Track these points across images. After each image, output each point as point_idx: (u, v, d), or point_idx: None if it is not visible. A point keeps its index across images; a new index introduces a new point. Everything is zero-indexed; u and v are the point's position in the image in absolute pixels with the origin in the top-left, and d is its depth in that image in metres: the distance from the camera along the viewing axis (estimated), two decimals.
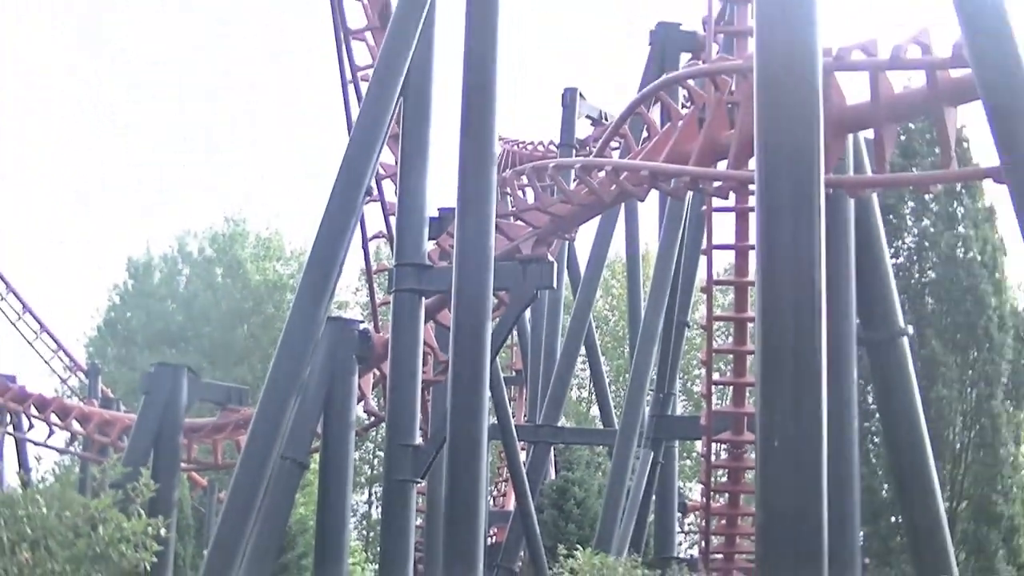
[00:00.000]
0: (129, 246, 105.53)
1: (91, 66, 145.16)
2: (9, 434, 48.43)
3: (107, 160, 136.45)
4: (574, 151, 42.74)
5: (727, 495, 33.66)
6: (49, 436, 47.54)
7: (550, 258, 27.93)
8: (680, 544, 41.79)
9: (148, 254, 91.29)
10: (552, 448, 39.95)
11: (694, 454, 58.63)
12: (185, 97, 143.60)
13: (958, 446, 30.45)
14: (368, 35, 35.56)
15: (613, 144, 29.02)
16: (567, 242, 36.69)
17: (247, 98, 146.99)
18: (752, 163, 16.76)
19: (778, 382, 13.67)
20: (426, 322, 29.06)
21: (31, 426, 47.92)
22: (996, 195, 30.76)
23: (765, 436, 13.58)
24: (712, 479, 35.06)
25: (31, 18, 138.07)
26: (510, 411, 34.79)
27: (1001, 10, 16.33)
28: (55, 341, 62.97)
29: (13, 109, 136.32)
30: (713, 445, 34.04)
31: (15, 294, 59.74)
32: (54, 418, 46.65)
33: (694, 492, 57.38)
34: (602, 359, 50.81)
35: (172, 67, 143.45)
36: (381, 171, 34.58)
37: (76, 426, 46.73)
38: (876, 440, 29.55)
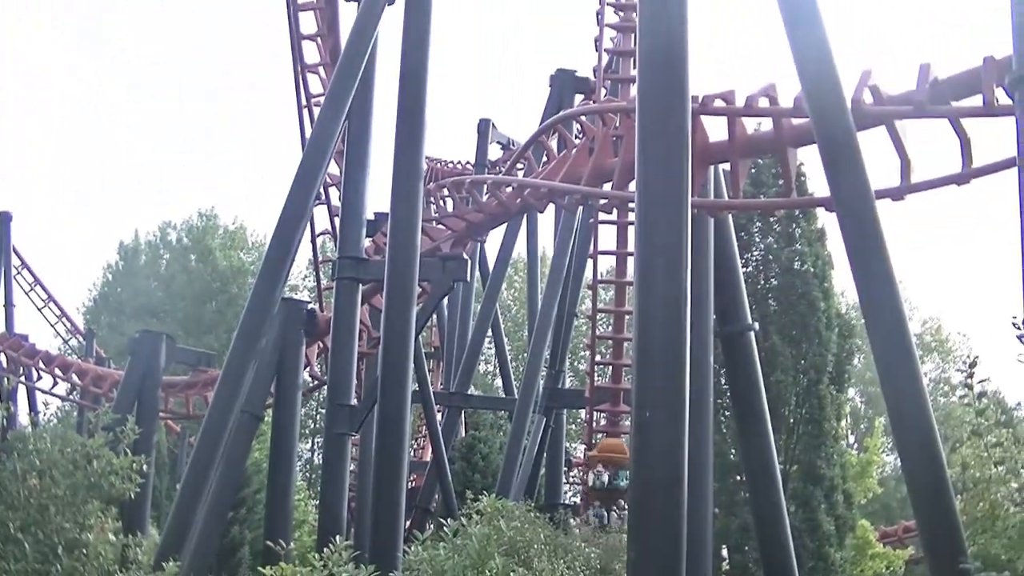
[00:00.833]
0: (123, 235, 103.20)
1: (91, 66, 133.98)
2: (21, 383, 48.64)
3: (107, 160, 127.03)
4: (487, 170, 42.76)
5: None
6: (53, 386, 47.98)
7: (465, 256, 27.92)
8: (566, 492, 41.75)
9: (136, 240, 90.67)
10: (463, 412, 39.90)
11: (579, 420, 58.69)
12: (185, 97, 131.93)
13: (792, 421, 30.62)
14: (321, 69, 35.57)
15: (519, 166, 29.01)
16: (479, 243, 36.78)
17: (247, 98, 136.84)
18: (632, 185, 16.80)
19: (650, 364, 13.76)
20: (362, 305, 28.98)
21: (39, 377, 48.33)
22: (826, 220, 31.06)
23: (639, 407, 13.69)
24: (593, 441, 35.28)
25: (31, 18, 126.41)
26: (429, 380, 34.74)
27: (834, 70, 16.55)
28: (60, 309, 62.81)
29: (13, 109, 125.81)
30: (595, 413, 34.29)
31: (28, 269, 59.47)
32: (58, 371, 47.07)
33: (578, 451, 57.48)
34: (505, 340, 50.75)
35: (172, 67, 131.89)
36: (328, 180, 34.50)
37: (75, 379, 46.85)
38: (727, 414, 29.67)
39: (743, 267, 27.80)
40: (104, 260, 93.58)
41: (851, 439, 67.84)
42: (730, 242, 24.93)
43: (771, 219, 31.16)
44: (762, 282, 32.14)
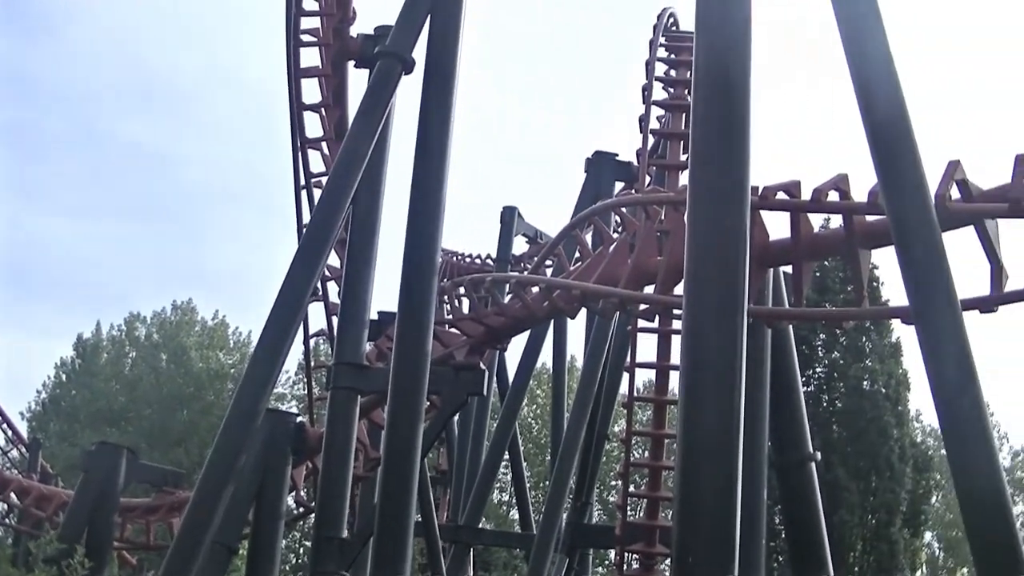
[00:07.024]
0: (78, 319, 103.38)
1: None
2: None
3: (63, 235, 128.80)
4: (510, 267, 42.92)
5: None
6: None
7: (482, 366, 27.93)
8: None
9: (97, 334, 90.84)
10: (472, 549, 39.69)
11: (607, 562, 58.36)
12: (162, 164, 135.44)
13: (858, 569, 30.48)
14: (324, 145, 35.60)
15: (547, 263, 29.13)
16: (499, 352, 36.79)
17: (235, 175, 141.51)
18: (679, 289, 16.86)
19: (694, 499, 13.67)
20: (360, 420, 28.93)
21: None
22: (903, 332, 31.08)
23: (680, 550, 13.55)
24: None
25: None
26: (435, 511, 34.62)
27: (917, 162, 16.57)
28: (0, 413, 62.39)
29: None
30: (626, 555, 33.99)
31: None
32: None
33: None
34: (524, 465, 50.57)
35: (152, 131, 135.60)
36: (327, 273, 34.57)
37: (14, 499, 46.17)
38: (781, 559, 29.52)
39: (804, 386, 27.77)
40: (57, 356, 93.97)
41: None
42: (790, 356, 24.90)
43: (838, 331, 31.19)
44: (825, 404, 32.12)
